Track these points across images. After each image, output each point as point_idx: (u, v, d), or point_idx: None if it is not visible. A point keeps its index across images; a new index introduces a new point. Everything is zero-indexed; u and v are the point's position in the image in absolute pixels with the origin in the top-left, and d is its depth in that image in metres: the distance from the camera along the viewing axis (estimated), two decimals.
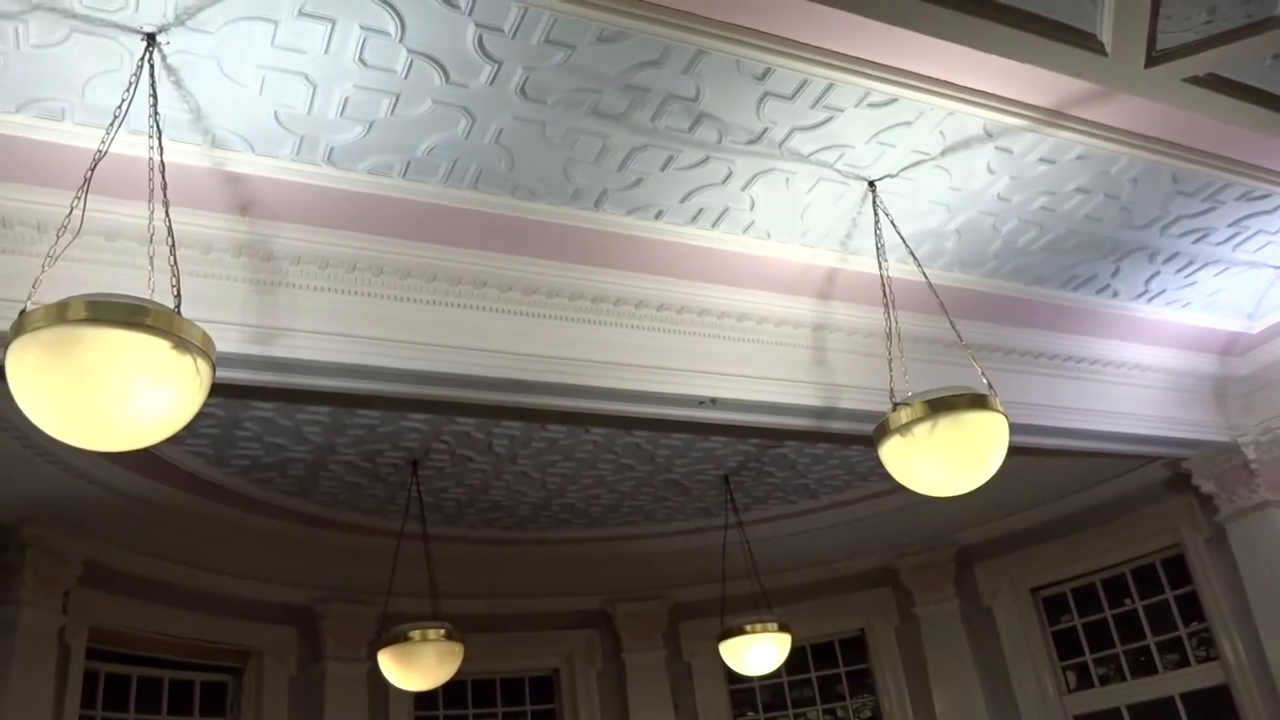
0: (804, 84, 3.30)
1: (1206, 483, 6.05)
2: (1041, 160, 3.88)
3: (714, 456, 6.32)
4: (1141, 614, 6.91)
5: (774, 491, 7.01)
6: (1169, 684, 6.65)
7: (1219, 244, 4.66)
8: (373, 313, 3.82)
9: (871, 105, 3.45)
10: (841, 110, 3.47)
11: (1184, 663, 6.64)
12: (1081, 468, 6.64)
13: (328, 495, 6.24)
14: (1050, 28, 3.05)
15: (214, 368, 2.62)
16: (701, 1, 2.95)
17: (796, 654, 6.87)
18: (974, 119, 3.59)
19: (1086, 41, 3.11)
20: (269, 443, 5.46)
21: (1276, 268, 4.96)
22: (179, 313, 2.52)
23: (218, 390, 3.24)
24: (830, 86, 3.33)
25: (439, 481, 6.21)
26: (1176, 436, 5.69)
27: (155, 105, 2.89)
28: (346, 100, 3.16)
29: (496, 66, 3.08)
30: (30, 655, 5.34)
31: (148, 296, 2.51)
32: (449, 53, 3.01)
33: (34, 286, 2.58)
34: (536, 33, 2.97)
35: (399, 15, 2.85)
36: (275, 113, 3.18)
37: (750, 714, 8.04)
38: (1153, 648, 6.81)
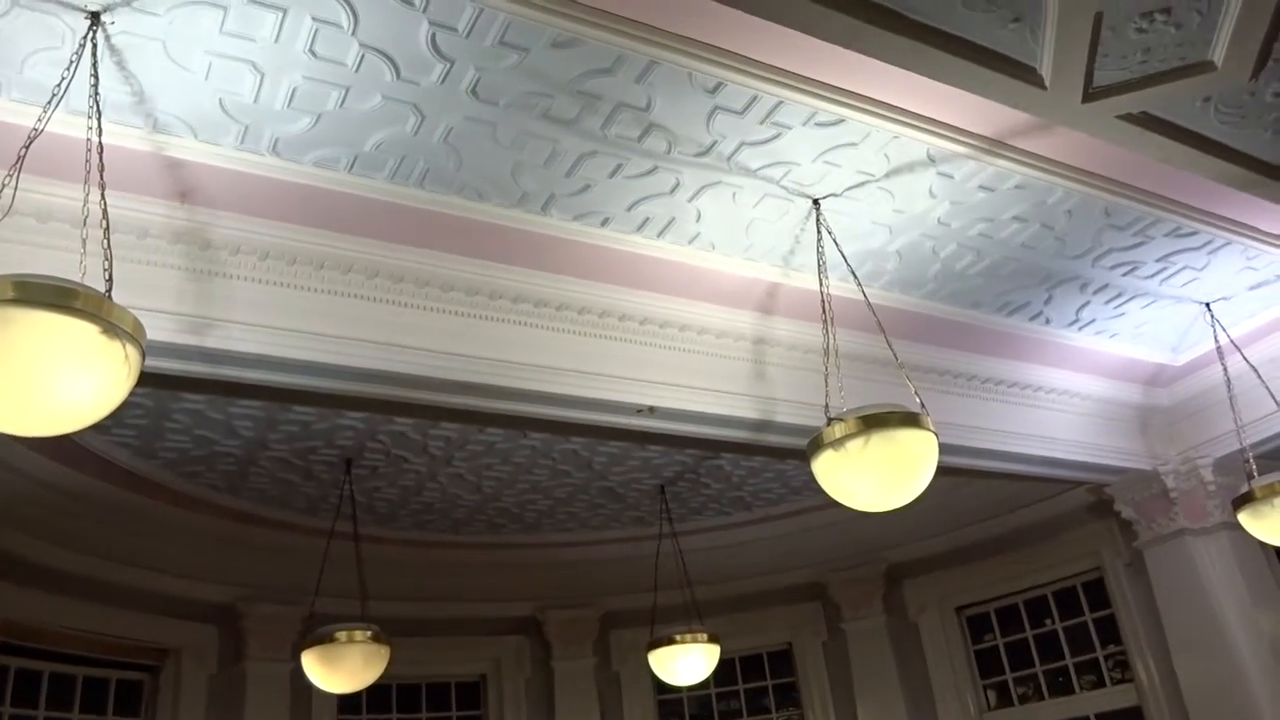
0: (754, 100, 3.35)
1: (1127, 509, 6.23)
2: (981, 188, 3.97)
3: (651, 466, 6.34)
4: (1061, 635, 7.09)
5: (709, 503, 7.06)
6: (1085, 704, 6.83)
7: (1147, 278, 4.81)
8: (312, 307, 3.77)
9: (819, 124, 3.51)
10: (790, 128, 3.52)
11: (1100, 683, 6.82)
12: (1008, 490, 6.79)
13: (257, 491, 6.13)
14: (993, 59, 3.15)
15: (144, 355, 2.56)
16: (657, 13, 2.97)
17: (724, 666, 6.90)
18: (918, 144, 3.66)
19: (1027, 74, 3.22)
20: (198, 435, 5.35)
21: (1200, 303, 5.13)
22: (110, 297, 2.47)
23: (148, 380, 3.17)
24: (780, 104, 3.38)
25: (372, 481, 6.14)
26: (1101, 463, 5.85)
27: (96, 86, 2.83)
28: (294, 91, 3.12)
29: (449, 65, 3.07)
30: None
31: (79, 280, 2.45)
32: (401, 49, 2.99)
33: None
34: (491, 34, 2.96)
35: (352, 8, 2.82)
36: (220, 100, 3.12)
37: None
38: (1071, 668, 6.98)
